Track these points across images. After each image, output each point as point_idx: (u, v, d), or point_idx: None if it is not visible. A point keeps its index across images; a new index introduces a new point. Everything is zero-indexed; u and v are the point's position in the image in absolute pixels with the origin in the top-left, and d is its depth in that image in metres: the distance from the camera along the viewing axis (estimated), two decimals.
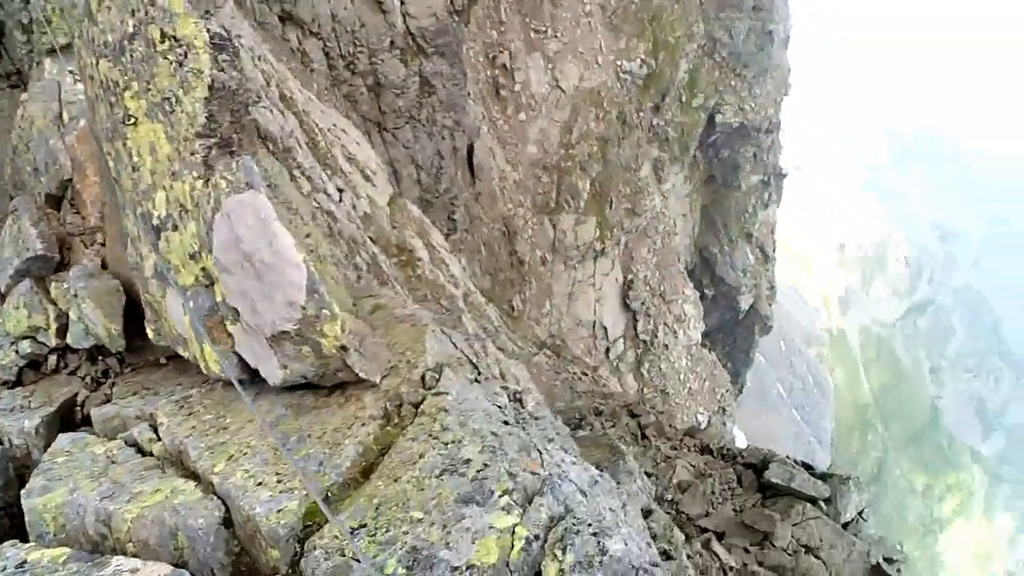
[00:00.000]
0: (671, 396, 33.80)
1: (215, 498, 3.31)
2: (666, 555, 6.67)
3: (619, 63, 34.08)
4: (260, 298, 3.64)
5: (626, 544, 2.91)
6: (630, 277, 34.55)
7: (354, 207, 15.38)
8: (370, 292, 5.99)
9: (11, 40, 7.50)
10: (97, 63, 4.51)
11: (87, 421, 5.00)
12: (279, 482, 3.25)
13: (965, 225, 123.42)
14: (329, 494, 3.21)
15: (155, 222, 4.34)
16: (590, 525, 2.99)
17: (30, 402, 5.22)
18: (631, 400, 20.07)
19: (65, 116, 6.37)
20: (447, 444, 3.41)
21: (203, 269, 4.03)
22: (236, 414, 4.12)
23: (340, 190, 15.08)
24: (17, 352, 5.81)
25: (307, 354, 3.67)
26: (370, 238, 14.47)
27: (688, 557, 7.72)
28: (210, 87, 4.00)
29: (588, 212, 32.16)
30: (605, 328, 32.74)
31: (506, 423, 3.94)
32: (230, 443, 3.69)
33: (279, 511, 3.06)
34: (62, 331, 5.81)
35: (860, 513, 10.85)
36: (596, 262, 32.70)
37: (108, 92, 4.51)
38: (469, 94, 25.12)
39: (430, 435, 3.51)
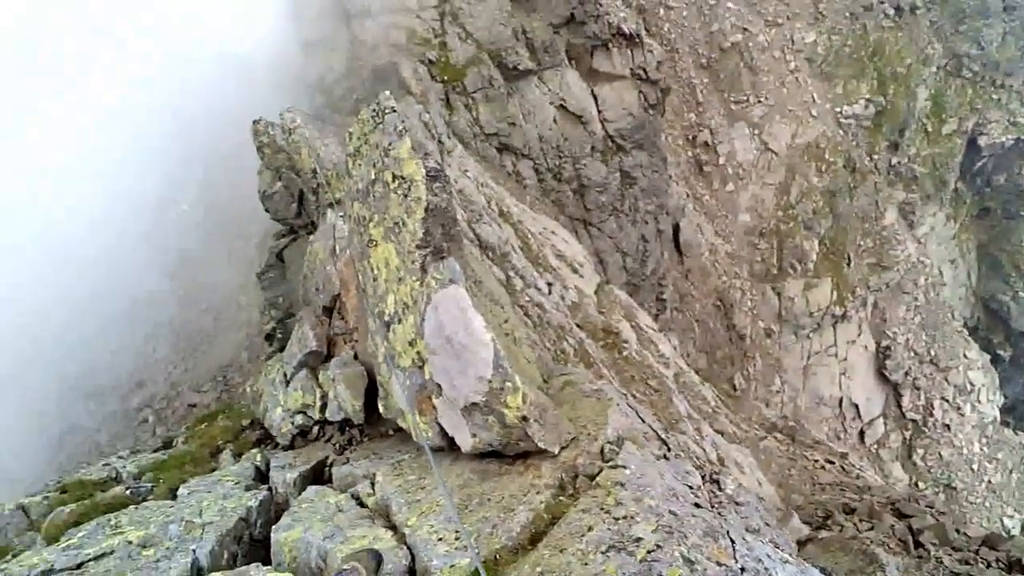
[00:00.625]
0: (960, 492, 27.03)
1: (405, 548, 3.81)
2: None
3: (838, 109, 31.75)
4: (457, 374, 4.34)
5: None
6: (886, 343, 29.66)
7: (562, 298, 16.54)
8: (563, 371, 6.45)
9: (306, 201, 10.29)
10: (353, 205, 6.04)
11: (332, 478, 6.15)
12: (456, 539, 3.62)
13: None
14: (498, 556, 3.43)
15: (386, 318, 5.49)
16: None
17: (296, 461, 6.69)
18: (898, 496, 16.69)
19: (336, 249, 8.36)
20: (618, 519, 3.35)
21: (417, 353, 4.94)
22: (434, 476, 4.72)
23: (549, 284, 16.45)
24: (293, 423, 7.55)
25: (493, 424, 4.20)
26: (577, 325, 15.29)
27: None
28: (426, 209, 5.09)
29: (820, 274, 29.22)
30: (856, 406, 28.19)
31: (697, 505, 3.77)
32: (424, 501, 4.27)
33: (452, 566, 3.40)
34: (323, 408, 7.41)
35: None
36: (837, 329, 29.01)
37: (359, 225, 5.97)
38: (671, 177, 25.66)
39: (602, 508, 3.53)
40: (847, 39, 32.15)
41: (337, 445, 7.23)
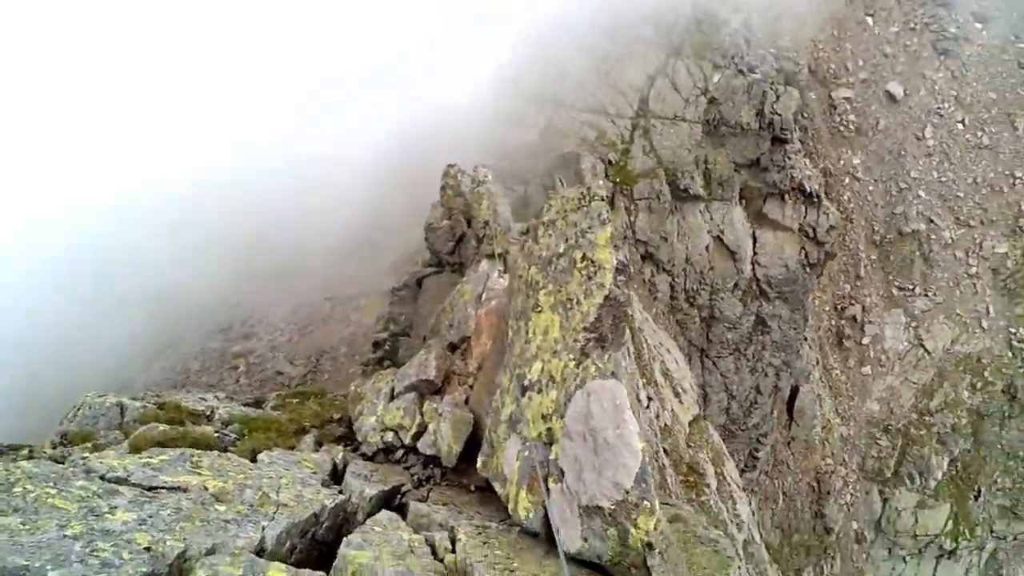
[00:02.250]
0: None
1: None
2: None
3: (1013, 330, 28.94)
4: (589, 469, 4.23)
5: None
6: None
7: (657, 416, 15.84)
8: (667, 501, 6.10)
9: (467, 244, 11.00)
10: (529, 268, 6.30)
11: (401, 508, 6.09)
12: None
13: None
14: None
15: (525, 383, 5.54)
16: None
17: (373, 476, 6.70)
18: None
19: (483, 297, 8.78)
20: None
21: (548, 429, 4.90)
22: (524, 562, 4.47)
23: (649, 399, 15.86)
24: (382, 438, 7.71)
25: (611, 536, 3.99)
26: (664, 449, 14.49)
27: None
28: (606, 297, 5.20)
29: (941, 497, 25.94)
30: None
31: None
32: None
33: None
34: (417, 436, 7.54)
35: None
36: (940, 565, 25.31)
37: (528, 287, 6.20)
38: (806, 339, 24.41)
39: None
40: None
41: (416, 477, 7.26)
